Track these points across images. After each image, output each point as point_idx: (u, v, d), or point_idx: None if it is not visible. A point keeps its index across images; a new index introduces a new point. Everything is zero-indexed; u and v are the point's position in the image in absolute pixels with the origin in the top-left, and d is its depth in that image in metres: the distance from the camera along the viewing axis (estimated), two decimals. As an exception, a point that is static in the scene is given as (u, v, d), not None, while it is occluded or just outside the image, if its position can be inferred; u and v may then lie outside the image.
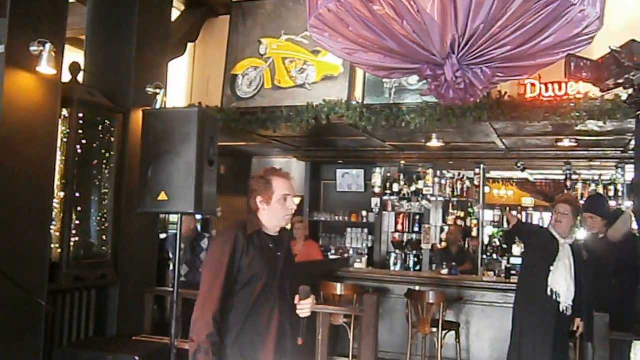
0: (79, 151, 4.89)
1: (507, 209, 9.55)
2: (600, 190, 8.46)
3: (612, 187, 8.26)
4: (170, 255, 6.94)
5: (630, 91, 1.98)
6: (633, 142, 6.79)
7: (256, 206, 3.03)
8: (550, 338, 4.93)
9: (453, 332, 6.24)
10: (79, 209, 4.94)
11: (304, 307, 2.97)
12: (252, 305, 2.93)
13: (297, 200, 9.51)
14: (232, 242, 2.93)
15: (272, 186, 3.00)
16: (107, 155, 5.18)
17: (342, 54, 3.63)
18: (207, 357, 2.80)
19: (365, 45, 3.30)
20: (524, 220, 10.03)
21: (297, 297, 3.00)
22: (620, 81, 2.01)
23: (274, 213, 3.02)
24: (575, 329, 5.08)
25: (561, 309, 4.89)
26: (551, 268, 4.94)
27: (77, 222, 4.91)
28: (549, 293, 4.91)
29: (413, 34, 3.01)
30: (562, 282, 4.90)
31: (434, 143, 7.53)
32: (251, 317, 2.94)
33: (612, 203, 7.76)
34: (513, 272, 6.92)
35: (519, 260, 6.25)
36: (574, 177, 8.62)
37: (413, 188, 9.13)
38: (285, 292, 3.01)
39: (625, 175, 8.08)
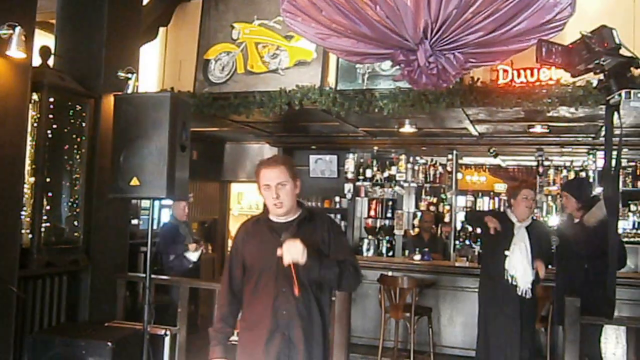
0: (50, 136, 4.81)
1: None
2: (571, 176, 8.58)
3: (583, 173, 8.38)
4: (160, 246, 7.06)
5: (601, 76, 2.00)
6: (604, 129, 6.89)
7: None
8: (516, 323, 4.99)
9: (425, 317, 6.31)
10: (50, 194, 4.87)
11: (288, 251, 2.81)
12: (252, 292, 3.00)
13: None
14: (238, 232, 3.17)
15: (258, 176, 3.04)
16: (79, 140, 5.11)
17: (316, 39, 3.62)
18: (212, 342, 3.04)
19: (338, 30, 3.30)
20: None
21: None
22: (591, 66, 2.03)
23: (265, 201, 3.04)
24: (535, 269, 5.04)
25: (519, 293, 4.95)
26: (507, 252, 5.01)
27: (48, 207, 4.84)
28: (506, 277, 4.98)
29: (386, 19, 3.02)
30: (518, 265, 4.96)
31: (407, 129, 7.55)
32: (250, 307, 3.02)
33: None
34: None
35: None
36: (545, 163, 8.72)
37: (386, 174, 9.15)
38: (290, 283, 2.90)
39: (597, 162, 8.18)
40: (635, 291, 6.11)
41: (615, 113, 2.16)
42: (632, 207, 8.50)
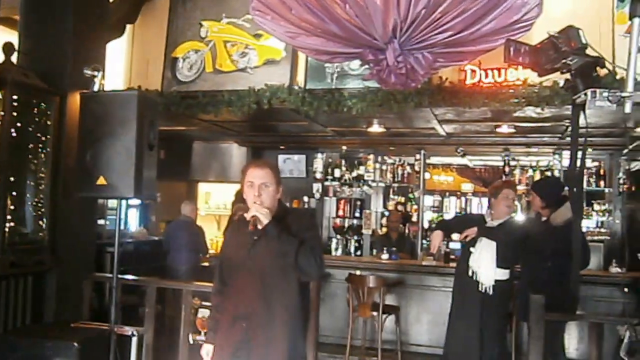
0: (14, 135, 4.72)
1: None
2: (537, 176, 8.71)
3: (549, 173, 8.51)
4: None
5: (567, 76, 2.04)
6: (569, 129, 7.02)
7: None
8: (476, 320, 5.04)
9: (393, 316, 6.35)
10: (14, 193, 4.78)
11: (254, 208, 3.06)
12: (227, 285, 3.24)
13: (236, 187, 9.47)
14: (225, 230, 3.45)
15: (245, 173, 3.19)
16: (43, 138, 5.02)
17: (285, 37, 3.62)
18: (207, 328, 3.40)
19: (307, 29, 3.30)
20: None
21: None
22: (557, 66, 2.07)
23: (247, 199, 3.17)
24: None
25: (481, 289, 5.01)
26: (472, 249, 5.09)
27: (12, 207, 4.75)
28: (469, 274, 5.06)
29: (355, 17, 3.03)
30: (481, 262, 5.03)
31: (375, 129, 7.59)
32: (226, 299, 3.23)
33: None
34: (452, 256, 7.07)
35: (457, 245, 6.39)
36: (512, 163, 8.84)
37: (354, 174, 9.16)
38: (255, 278, 3.09)
39: (562, 162, 8.33)
40: (598, 289, 6.23)
41: (581, 113, 2.20)
42: (596, 207, 8.67)
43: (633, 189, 8.70)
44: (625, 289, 6.08)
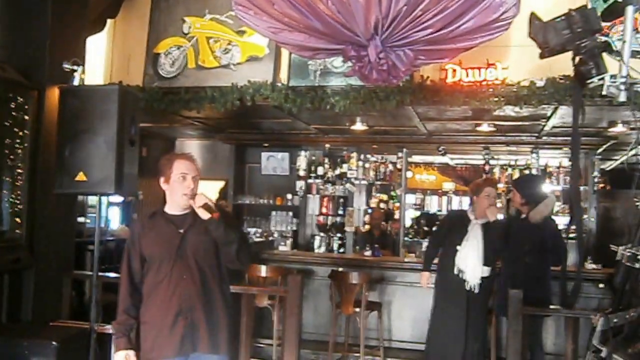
0: (-10, 129, 4.66)
1: None
2: (516, 174, 8.81)
3: (527, 172, 8.60)
4: None
5: (577, 60, 2.00)
6: (546, 128, 7.10)
7: (161, 187, 3.28)
8: (462, 316, 5.08)
9: (375, 312, 6.37)
10: (-10, 189, 4.72)
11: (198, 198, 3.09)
12: (153, 281, 3.15)
13: (219, 184, 9.45)
14: (133, 226, 3.45)
15: (172, 165, 3.21)
16: (21, 134, 4.95)
17: (267, 33, 3.61)
18: (116, 334, 3.21)
19: (290, 25, 3.30)
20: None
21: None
22: (569, 47, 2.03)
23: (173, 191, 3.21)
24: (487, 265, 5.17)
25: (467, 287, 5.05)
26: (458, 247, 5.11)
27: (-12, 203, 4.69)
28: (455, 272, 5.08)
29: (337, 13, 3.03)
30: (467, 261, 5.06)
31: (358, 126, 7.61)
32: (152, 295, 3.15)
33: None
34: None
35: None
36: (492, 161, 8.94)
37: (337, 171, 9.20)
38: (191, 270, 3.11)
39: (539, 160, 8.48)
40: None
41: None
42: (573, 204, 8.76)
43: (607, 187, 8.88)
44: (601, 285, 6.17)
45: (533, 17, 2.14)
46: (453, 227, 5.32)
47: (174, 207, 3.25)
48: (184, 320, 3.06)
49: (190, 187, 3.14)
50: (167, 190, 3.25)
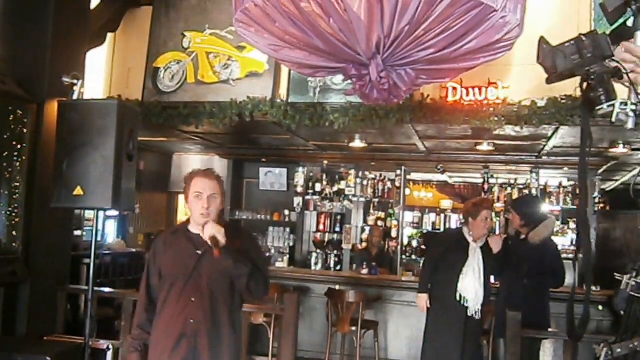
0: (-12, 142, 4.65)
1: None
2: (515, 194, 8.79)
3: (526, 191, 8.59)
4: None
5: (584, 85, 1.95)
6: (547, 148, 7.09)
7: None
8: (459, 340, 5.01)
9: (372, 331, 6.32)
10: (-13, 202, 4.70)
11: (208, 228, 2.93)
12: (164, 300, 3.06)
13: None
14: (155, 242, 3.26)
15: (190, 183, 3.11)
16: (19, 147, 4.95)
17: (268, 50, 3.59)
18: (130, 349, 3.11)
19: (291, 43, 3.27)
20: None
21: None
22: (578, 73, 1.98)
23: (192, 209, 3.12)
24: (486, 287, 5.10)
25: (469, 314, 4.99)
26: (461, 275, 5.01)
27: (-15, 216, 4.67)
28: (457, 299, 5.00)
29: (339, 32, 3.01)
30: (470, 287, 4.98)
31: (357, 144, 7.60)
32: (161, 314, 3.06)
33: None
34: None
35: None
36: (491, 180, 8.92)
37: (335, 188, 9.18)
38: (202, 293, 3.00)
39: (539, 180, 8.46)
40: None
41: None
42: (572, 225, 8.77)
43: (607, 208, 8.84)
44: (600, 307, 6.12)
45: (542, 41, 2.10)
46: (450, 248, 5.22)
47: (194, 225, 3.12)
48: (188, 343, 2.97)
49: (205, 207, 3.02)
50: (188, 207, 3.16)
